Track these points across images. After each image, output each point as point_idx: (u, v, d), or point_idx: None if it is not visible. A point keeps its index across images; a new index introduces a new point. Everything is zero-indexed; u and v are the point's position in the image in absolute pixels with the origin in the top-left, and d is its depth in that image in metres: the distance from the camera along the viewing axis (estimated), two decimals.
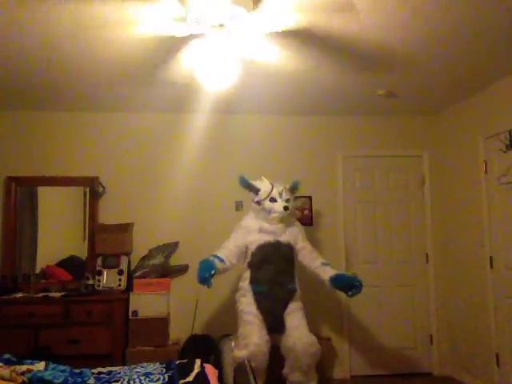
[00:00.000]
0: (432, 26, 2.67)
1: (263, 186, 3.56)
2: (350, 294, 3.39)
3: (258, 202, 3.53)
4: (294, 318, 3.46)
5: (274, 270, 3.47)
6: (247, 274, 3.54)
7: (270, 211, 3.49)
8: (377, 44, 2.92)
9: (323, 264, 3.57)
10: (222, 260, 3.43)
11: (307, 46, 2.89)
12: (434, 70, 3.40)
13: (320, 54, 3.03)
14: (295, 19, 2.55)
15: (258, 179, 3.65)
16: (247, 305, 3.45)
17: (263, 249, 3.50)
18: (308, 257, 3.61)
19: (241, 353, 3.20)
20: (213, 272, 3.27)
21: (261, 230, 3.53)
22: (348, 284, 3.40)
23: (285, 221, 3.58)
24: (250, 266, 3.53)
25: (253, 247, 3.51)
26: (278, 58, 3.04)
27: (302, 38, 2.77)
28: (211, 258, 3.41)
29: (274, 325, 3.42)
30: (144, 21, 2.58)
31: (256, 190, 3.56)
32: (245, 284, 3.54)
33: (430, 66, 3.31)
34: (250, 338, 3.27)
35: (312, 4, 2.40)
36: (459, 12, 2.52)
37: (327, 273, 3.49)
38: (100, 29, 2.72)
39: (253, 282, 3.49)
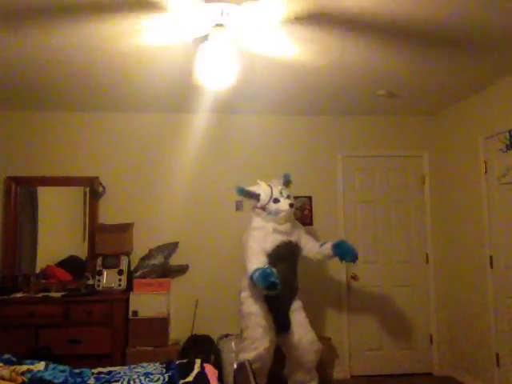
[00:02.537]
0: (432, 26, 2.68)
1: (262, 189, 3.54)
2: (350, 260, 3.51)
3: (263, 207, 3.51)
4: (298, 316, 3.48)
5: (286, 269, 3.44)
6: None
7: (276, 212, 3.48)
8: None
9: (321, 244, 3.65)
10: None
11: (321, 32, 2.69)
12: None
13: (339, 39, 2.79)
14: (305, 3, 2.35)
15: (254, 184, 3.62)
16: (256, 306, 3.39)
17: (279, 248, 3.46)
18: (310, 247, 3.65)
19: (248, 355, 3.19)
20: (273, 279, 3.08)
21: (274, 231, 3.49)
22: (347, 251, 3.49)
23: (290, 220, 3.58)
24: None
25: (269, 248, 3.44)
26: (288, 51, 2.92)
27: (315, 23, 2.57)
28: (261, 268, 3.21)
29: (282, 324, 3.42)
30: (149, 30, 2.63)
31: (256, 196, 3.52)
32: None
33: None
34: (261, 341, 3.26)
35: None
36: (458, 10, 2.52)
37: (328, 246, 3.56)
38: (105, 39, 2.76)
39: None
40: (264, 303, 3.39)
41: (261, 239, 3.45)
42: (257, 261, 3.29)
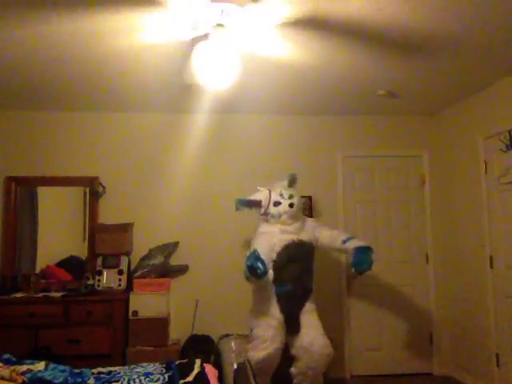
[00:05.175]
0: (432, 27, 2.68)
1: (262, 195, 3.56)
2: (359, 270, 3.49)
3: (265, 213, 3.52)
4: (310, 318, 3.44)
5: (298, 269, 3.43)
6: (269, 275, 3.40)
7: (277, 215, 3.48)
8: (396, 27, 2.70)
9: (343, 242, 3.59)
10: (264, 263, 3.16)
11: (320, 36, 2.76)
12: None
13: (336, 44, 2.89)
14: (305, 7, 2.41)
15: (256, 191, 3.63)
16: (268, 306, 3.37)
17: (289, 248, 3.43)
18: (328, 239, 3.62)
19: (258, 354, 3.21)
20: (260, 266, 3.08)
21: (283, 232, 3.48)
22: (363, 261, 3.46)
23: (297, 219, 3.56)
24: (276, 265, 3.40)
25: (278, 247, 3.42)
26: (287, 53, 2.97)
27: (314, 27, 2.63)
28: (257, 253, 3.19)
29: (292, 325, 3.39)
30: (147, 28, 2.62)
31: (258, 204, 3.54)
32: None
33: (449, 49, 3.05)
34: (271, 342, 3.26)
35: None
36: (458, 13, 2.52)
37: (350, 247, 3.54)
38: (103, 37, 2.75)
39: (276, 281, 3.39)
40: (276, 303, 3.37)
41: (267, 240, 3.41)
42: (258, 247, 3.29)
